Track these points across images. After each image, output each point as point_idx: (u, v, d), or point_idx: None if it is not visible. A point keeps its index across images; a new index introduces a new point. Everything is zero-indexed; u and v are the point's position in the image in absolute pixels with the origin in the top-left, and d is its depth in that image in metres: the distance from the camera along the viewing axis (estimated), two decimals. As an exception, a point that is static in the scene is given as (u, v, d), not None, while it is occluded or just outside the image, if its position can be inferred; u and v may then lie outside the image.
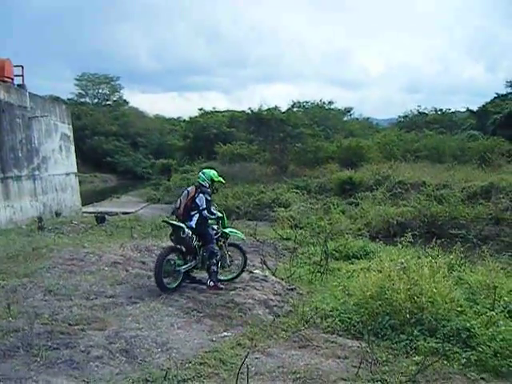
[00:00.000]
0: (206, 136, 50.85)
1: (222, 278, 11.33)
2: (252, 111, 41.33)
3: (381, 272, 9.44)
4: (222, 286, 10.69)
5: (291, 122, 39.41)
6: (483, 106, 51.70)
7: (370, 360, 7.27)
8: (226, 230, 11.34)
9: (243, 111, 48.69)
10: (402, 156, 36.74)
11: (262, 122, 39.54)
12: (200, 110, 62.09)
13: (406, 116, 60.79)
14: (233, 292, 10.40)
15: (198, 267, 10.92)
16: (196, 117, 58.55)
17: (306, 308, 9.61)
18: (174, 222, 11.01)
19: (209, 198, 10.72)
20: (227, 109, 66.58)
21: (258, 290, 10.73)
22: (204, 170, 11.28)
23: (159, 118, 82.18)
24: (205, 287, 10.71)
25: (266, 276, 11.75)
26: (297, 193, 29.95)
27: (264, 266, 12.90)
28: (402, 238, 13.58)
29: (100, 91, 75.96)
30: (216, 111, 61.88)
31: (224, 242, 11.30)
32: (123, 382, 6.40)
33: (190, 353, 7.47)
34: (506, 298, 9.94)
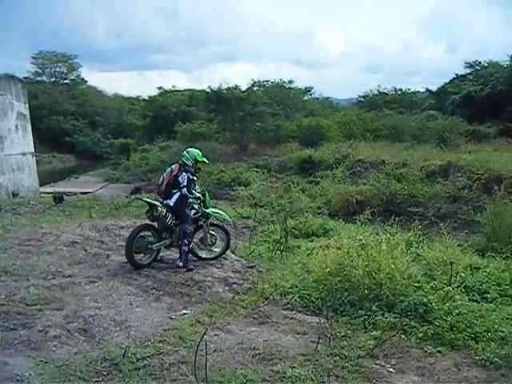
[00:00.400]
0: (165, 115, 50.42)
1: (204, 256, 11.41)
2: (212, 90, 41.06)
3: (340, 249, 9.51)
4: (191, 266, 10.62)
5: (251, 100, 39.26)
6: (442, 86, 52.19)
7: (328, 335, 7.35)
8: (208, 211, 11.30)
9: (203, 90, 48.25)
10: (362, 135, 36.89)
11: (221, 101, 39.36)
12: (159, 88, 61.56)
13: (366, 96, 60.86)
14: (192, 270, 10.39)
15: (174, 245, 10.96)
16: (155, 96, 57.89)
17: (266, 285, 9.66)
18: (149, 200, 11.19)
19: (191, 177, 10.72)
20: (187, 88, 66.22)
21: (217, 268, 10.76)
22: (188, 149, 11.16)
23: (118, 97, 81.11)
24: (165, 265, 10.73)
25: (225, 254, 11.75)
26: (257, 172, 29.97)
27: (224, 245, 12.90)
28: (361, 216, 13.69)
29: (57, 70, 74.48)
30: (176, 90, 61.33)
31: (205, 222, 11.28)
32: (81, 360, 6.38)
33: (149, 331, 7.47)
34: (462, 274, 10.14)
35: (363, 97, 61.37)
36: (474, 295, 9.53)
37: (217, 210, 11.91)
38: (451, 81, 51.55)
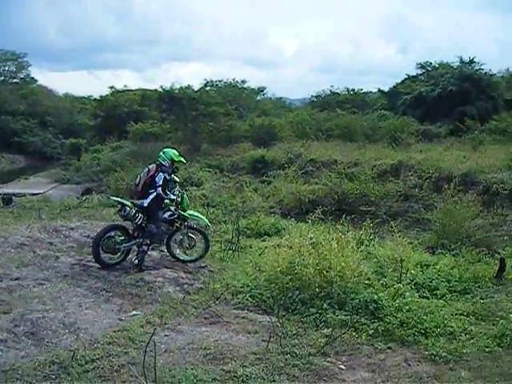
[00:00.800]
0: (117, 115, 49.84)
1: (182, 258, 11.45)
2: (164, 90, 40.80)
3: (291, 248, 9.54)
4: (143, 267, 10.52)
5: (204, 100, 39.08)
6: (394, 86, 52.78)
7: (279, 334, 7.35)
8: (186, 213, 11.24)
9: (155, 90, 48.00)
10: (315, 135, 37.10)
11: (174, 101, 39.10)
12: (111, 88, 60.62)
13: (319, 96, 61.27)
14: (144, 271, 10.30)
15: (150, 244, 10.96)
16: (107, 95, 57.17)
17: (217, 285, 9.66)
18: (118, 199, 11.20)
19: (168, 178, 10.73)
20: (139, 87, 65.60)
21: (168, 268, 10.72)
22: (164, 150, 11.18)
23: (69, 97, 79.82)
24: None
25: (176, 254, 11.69)
26: (209, 171, 29.85)
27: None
28: (313, 215, 13.75)
29: (6, 68, 73.07)
30: (127, 90, 60.58)
31: (181, 224, 11.25)
32: (29, 364, 6.26)
33: (99, 333, 7.36)
34: (412, 271, 10.30)
35: (316, 97, 61.79)
36: (424, 292, 9.69)
37: (195, 214, 11.84)
38: (403, 81, 52.21)
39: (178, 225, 11.22)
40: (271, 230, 15.67)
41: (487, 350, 7.16)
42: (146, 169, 10.99)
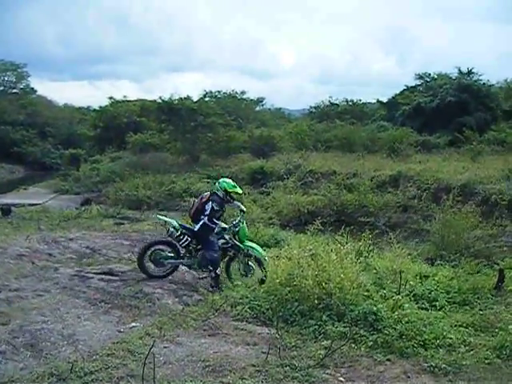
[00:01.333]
0: (116, 125, 49.93)
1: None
2: (163, 100, 40.80)
3: (290, 259, 9.50)
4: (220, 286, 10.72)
5: (203, 111, 39.11)
6: (393, 97, 52.76)
7: (279, 346, 7.33)
8: (242, 245, 11.15)
9: (154, 100, 47.98)
10: (313, 146, 37.17)
11: (173, 112, 39.12)
12: (110, 98, 60.72)
13: (318, 107, 61.30)
14: (142, 282, 10.30)
15: (194, 268, 11.20)
16: (106, 106, 57.29)
17: (216, 296, 9.62)
18: (164, 218, 11.72)
19: (216, 208, 10.77)
20: (138, 98, 65.65)
21: (167, 279, 10.67)
22: (220, 180, 11.32)
23: (68, 107, 79.87)
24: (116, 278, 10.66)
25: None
26: (208, 182, 29.83)
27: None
28: (312, 226, 13.75)
29: (6, 79, 73.11)
30: (127, 100, 60.66)
31: (235, 254, 11.24)
32: (28, 376, 6.23)
33: (98, 344, 7.34)
34: (411, 283, 10.29)
35: (315, 108, 61.87)
36: (423, 303, 9.69)
37: (253, 245, 11.56)
38: (402, 92, 52.17)
39: (231, 254, 11.24)
40: (270, 241, 15.66)
41: (486, 361, 7.14)
42: (202, 195, 11.27)
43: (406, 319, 8.04)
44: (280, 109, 78.51)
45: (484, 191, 21.60)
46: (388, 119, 48.28)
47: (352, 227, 15.78)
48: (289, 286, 8.87)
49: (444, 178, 24.15)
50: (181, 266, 11.12)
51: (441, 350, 7.43)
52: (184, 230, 10.86)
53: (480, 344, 7.73)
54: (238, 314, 8.88)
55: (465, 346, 7.68)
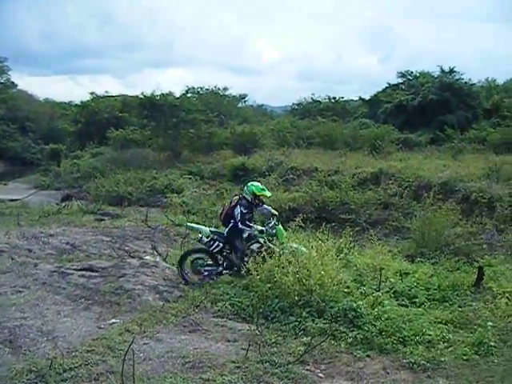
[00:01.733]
0: (97, 121, 49.59)
1: None
2: (145, 96, 40.53)
3: (271, 256, 9.53)
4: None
5: (185, 107, 38.94)
6: (375, 95, 52.81)
7: (259, 342, 7.35)
8: (282, 246, 10.89)
9: (136, 96, 47.66)
10: (295, 143, 37.11)
11: (155, 108, 38.92)
12: (91, 94, 60.22)
13: (300, 103, 61.24)
14: (122, 278, 10.25)
15: (234, 274, 10.87)
16: (87, 101, 56.81)
17: (197, 293, 9.64)
18: (194, 226, 11.90)
19: (244, 211, 10.76)
20: (120, 93, 65.35)
21: (148, 276, 10.63)
22: (248, 184, 11.32)
23: (49, 102, 79.04)
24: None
25: (156, 262, 11.66)
26: (190, 179, 29.75)
27: (155, 252, 12.79)
28: (293, 223, 13.77)
29: (-15, 73, 72.61)
30: (108, 95, 60.27)
31: (271, 258, 10.74)
32: (6, 373, 6.22)
33: (77, 341, 7.33)
34: (391, 279, 10.37)
35: (297, 105, 61.80)
36: (403, 300, 9.74)
37: (294, 245, 11.17)
38: (384, 90, 52.23)
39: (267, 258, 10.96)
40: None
41: (465, 357, 7.22)
42: (231, 199, 11.29)
43: (386, 316, 8.10)
44: (262, 105, 78.33)
45: (464, 189, 21.66)
46: (370, 117, 48.31)
47: (333, 224, 15.86)
48: (269, 282, 8.90)
49: (425, 175, 24.19)
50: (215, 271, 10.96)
51: (420, 347, 7.50)
52: (215, 236, 10.89)
53: (459, 340, 7.80)
54: (219, 311, 8.91)
55: (443, 342, 7.75)
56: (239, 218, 10.66)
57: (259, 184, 11.30)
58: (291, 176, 27.93)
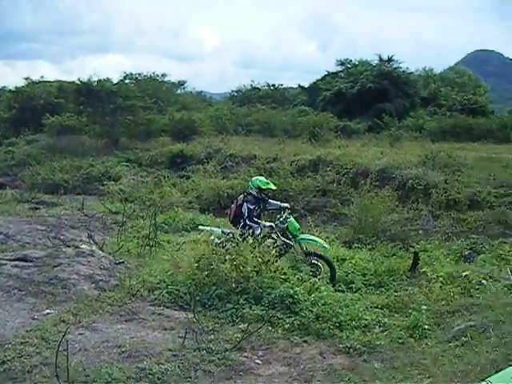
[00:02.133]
0: (32, 107, 48.36)
1: None
2: (82, 82, 39.79)
3: (208, 244, 9.51)
4: None
5: (122, 93, 38.33)
6: (314, 82, 53.29)
7: (196, 330, 7.33)
8: (298, 239, 10.96)
9: (73, 82, 46.76)
10: (234, 130, 37.15)
11: (91, 94, 38.20)
12: (26, 79, 58.79)
13: (240, 90, 61.31)
14: (57, 268, 10.03)
15: None
16: (22, 87, 55.41)
17: (133, 281, 9.52)
18: (206, 228, 11.50)
19: (251, 207, 10.72)
20: (56, 79, 63.98)
21: (83, 265, 10.40)
22: (252, 178, 11.39)
23: (-19, 88, 77.58)
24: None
25: (92, 251, 11.43)
26: (127, 166, 29.37)
27: (91, 241, 12.59)
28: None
29: None
30: (44, 81, 58.80)
31: (285, 252, 10.93)
32: None
33: (11, 333, 7.17)
34: (329, 265, 10.44)
35: (236, 91, 61.83)
36: (340, 286, 9.89)
37: (309, 237, 11.33)
38: (323, 78, 52.69)
39: (283, 253, 10.77)
40: (189, 225, 15.61)
41: (400, 341, 7.34)
42: (236, 199, 11.27)
43: (323, 301, 8.17)
44: (201, 92, 77.89)
45: (401, 176, 21.99)
46: (309, 104, 48.70)
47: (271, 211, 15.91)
48: (207, 270, 8.87)
49: (362, 162, 24.48)
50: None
51: (356, 331, 7.60)
52: (228, 237, 10.70)
53: (394, 324, 7.93)
54: (156, 299, 8.84)
55: (379, 326, 7.89)
56: (246, 214, 10.66)
57: (263, 178, 11.45)
58: (230, 163, 27.89)
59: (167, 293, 8.95)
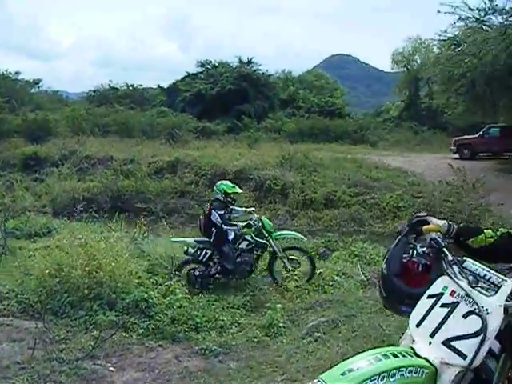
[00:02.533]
0: None
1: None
2: None
3: (61, 249, 9.20)
4: None
5: (-29, 92, 36.95)
6: (174, 83, 53.41)
7: (46, 340, 7.04)
8: (274, 235, 10.68)
9: None
10: (91, 131, 36.55)
11: None
12: None
13: (97, 90, 60.21)
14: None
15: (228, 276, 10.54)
16: None
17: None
18: (179, 240, 11.37)
19: (221, 213, 10.31)
20: None
21: None
22: (217, 183, 10.89)
23: None
24: None
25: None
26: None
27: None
28: (87, 214, 13.44)
29: None
30: None
31: (262, 252, 10.75)
32: None
33: None
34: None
35: (94, 91, 60.69)
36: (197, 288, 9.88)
37: (283, 232, 11.47)
38: (183, 78, 52.89)
39: (259, 253, 10.66)
40: (42, 230, 15.03)
41: (255, 340, 7.40)
42: (202, 210, 10.96)
43: (178, 304, 8.11)
44: (58, 91, 75.83)
45: (259, 177, 22.40)
46: (168, 105, 48.73)
47: (128, 214, 15.69)
48: (58, 276, 8.55)
49: (221, 164, 24.74)
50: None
51: (212, 333, 7.60)
52: (201, 245, 10.46)
53: (250, 324, 8.02)
54: (4, 309, 8.40)
55: (235, 326, 7.93)
56: (220, 220, 10.31)
57: (228, 182, 11.11)
58: (86, 165, 27.37)
59: (17, 302, 8.52)
